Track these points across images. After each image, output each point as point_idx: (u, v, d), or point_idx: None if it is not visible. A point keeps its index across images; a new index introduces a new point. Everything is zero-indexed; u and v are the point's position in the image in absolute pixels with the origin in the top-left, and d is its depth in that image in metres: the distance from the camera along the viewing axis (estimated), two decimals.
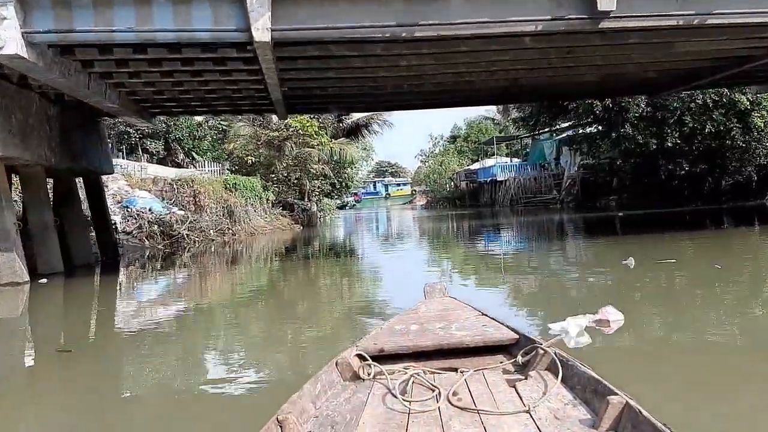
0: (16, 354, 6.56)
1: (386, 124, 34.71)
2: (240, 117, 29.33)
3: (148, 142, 29.69)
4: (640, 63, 12.38)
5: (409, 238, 22.87)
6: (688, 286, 8.50)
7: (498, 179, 39.82)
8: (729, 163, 24.43)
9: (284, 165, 28.04)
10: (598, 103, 23.81)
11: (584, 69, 12.59)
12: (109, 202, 19.06)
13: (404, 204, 66.89)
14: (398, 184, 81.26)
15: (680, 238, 14.31)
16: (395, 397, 2.66)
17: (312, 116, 28.36)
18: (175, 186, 21.46)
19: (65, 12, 8.24)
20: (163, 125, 29.45)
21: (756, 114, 22.77)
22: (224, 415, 4.10)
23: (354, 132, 34.03)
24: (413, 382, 2.84)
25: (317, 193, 30.58)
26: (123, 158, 26.74)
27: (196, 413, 4.22)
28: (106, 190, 19.39)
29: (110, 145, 28.84)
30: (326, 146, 29.17)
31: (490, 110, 57.73)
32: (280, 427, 2.29)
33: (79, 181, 15.47)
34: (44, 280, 10.95)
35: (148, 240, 18.51)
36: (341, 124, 33.53)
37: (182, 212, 20.21)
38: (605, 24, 8.90)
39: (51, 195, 14.45)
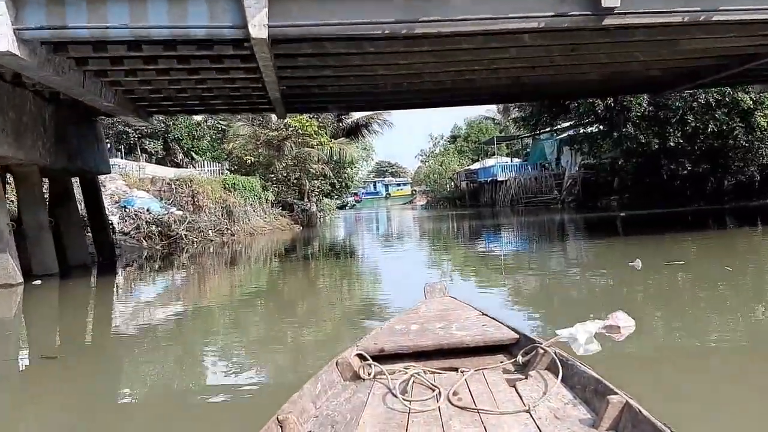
0: (2, 358, 6.36)
1: (386, 124, 34.56)
2: (239, 116, 29.17)
3: (147, 142, 29.53)
4: (644, 61, 12.20)
5: (409, 238, 22.72)
6: (699, 289, 8.17)
7: (498, 179, 39.66)
8: (732, 163, 24.26)
9: (284, 165, 27.88)
10: (600, 103, 23.64)
11: (587, 67, 12.42)
12: (107, 202, 18.90)
13: (404, 204, 66.78)
14: (398, 184, 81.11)
15: (685, 239, 14.10)
16: (395, 396, 2.66)
17: (311, 116, 28.21)
18: (173, 186, 21.30)
19: (58, 8, 8.07)
20: (162, 125, 29.29)
21: (759, 113, 22.58)
22: (224, 415, 4.08)
23: (354, 132, 33.86)
24: (413, 381, 2.84)
25: (317, 193, 30.42)
26: (121, 158, 26.59)
27: (196, 414, 4.20)
28: (103, 190, 19.25)
29: (109, 144, 28.75)
30: (326, 146, 29.01)
31: (491, 110, 57.60)
32: (281, 426, 2.28)
33: (76, 182, 15.35)
34: (38, 282, 10.77)
35: (146, 240, 18.34)
36: (341, 124, 33.36)
37: (180, 212, 20.05)
38: (609, 20, 8.74)
39: (47, 195, 14.33)
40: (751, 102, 22.22)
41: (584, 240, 16.77)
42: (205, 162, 30.26)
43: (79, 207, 15.39)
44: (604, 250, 13.22)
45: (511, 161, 43.63)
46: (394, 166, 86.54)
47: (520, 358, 2.98)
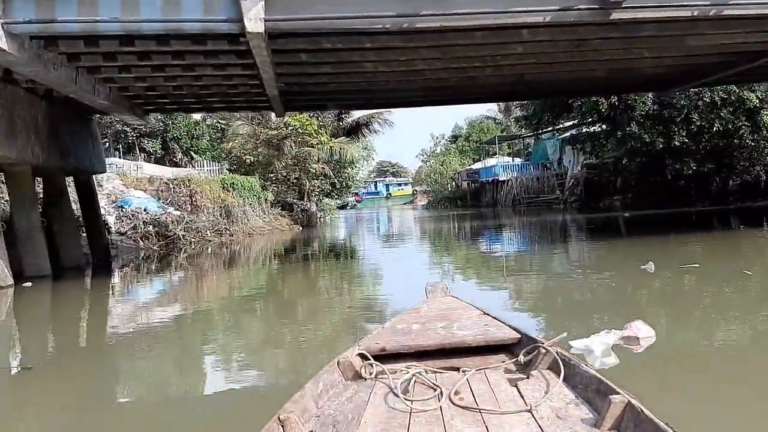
0: None
1: (387, 123, 34.23)
2: (238, 116, 28.95)
3: (146, 141, 29.25)
4: (650, 58, 11.91)
5: (410, 238, 22.48)
6: (721, 295, 7.65)
7: (500, 179, 39.39)
8: (737, 163, 23.97)
9: (283, 164, 27.63)
10: (604, 101, 23.34)
11: (593, 64, 12.12)
12: (104, 202, 18.66)
13: (405, 204, 66.55)
14: (399, 184, 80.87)
15: (692, 240, 13.78)
16: (397, 396, 2.64)
17: (311, 114, 27.98)
18: (171, 186, 21.03)
19: (47, 1, 7.80)
20: (161, 124, 29.01)
21: (765, 112, 22.28)
22: (225, 416, 4.05)
23: (354, 131, 33.56)
24: (415, 381, 2.83)
25: (317, 193, 30.14)
26: (120, 157, 26.32)
27: (197, 415, 4.17)
28: (100, 189, 19.01)
29: (107, 144, 28.52)
30: (326, 145, 28.74)
31: (492, 109, 57.36)
32: (282, 426, 2.27)
33: (72, 181, 15.09)
34: (29, 284, 10.49)
35: (143, 241, 18.09)
36: (341, 123, 33.08)
37: (178, 212, 19.79)
38: (617, 15, 8.48)
39: (41, 195, 14.07)
40: (758, 100, 21.92)
41: (588, 241, 16.44)
42: (205, 161, 29.97)
43: (73, 207, 15.17)
44: (610, 252, 12.90)
45: (513, 161, 43.32)
46: (395, 166, 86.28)
47: (521, 358, 2.96)
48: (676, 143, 22.84)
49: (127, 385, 5.25)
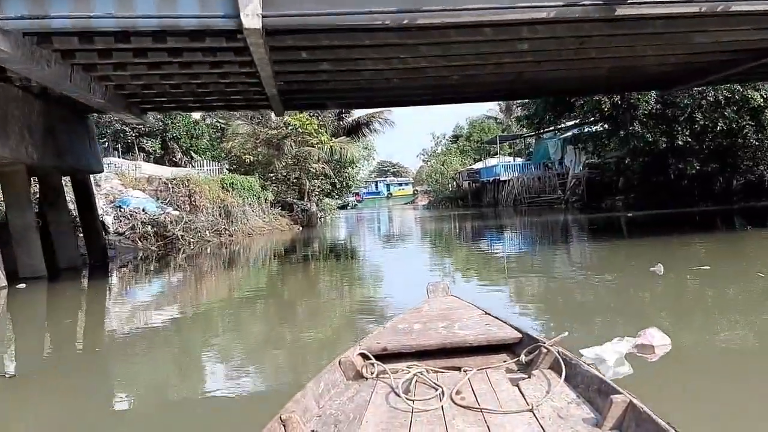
0: None
1: (387, 123, 34.02)
2: (238, 115, 28.77)
3: (145, 141, 29.05)
4: (655, 55, 11.72)
5: (410, 239, 22.31)
6: (736, 298, 7.32)
7: (501, 179, 39.22)
8: (741, 162, 23.76)
9: (283, 164, 27.46)
10: (607, 100, 23.14)
11: (596, 62, 11.91)
12: (102, 201, 18.50)
13: (406, 204, 66.40)
14: (400, 184, 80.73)
15: (700, 241, 13.54)
16: (398, 396, 2.65)
17: (311, 114, 27.80)
18: (170, 185, 20.85)
19: None
20: (160, 123, 28.82)
21: None
22: (226, 416, 4.06)
23: (355, 130, 33.36)
24: (416, 381, 2.84)
25: (317, 193, 29.95)
26: (119, 157, 26.14)
27: (197, 415, 4.17)
28: (98, 189, 18.86)
29: (106, 143, 28.36)
30: (326, 145, 28.56)
31: (493, 109, 57.28)
32: (284, 426, 2.27)
33: (69, 181, 14.91)
34: (23, 285, 10.32)
35: (141, 241, 17.92)
36: (341, 123, 32.88)
37: (177, 212, 19.61)
38: (622, 11, 8.30)
39: (38, 195, 13.91)
40: (762, 99, 21.67)
41: (592, 241, 16.19)
42: (204, 161, 29.79)
43: (70, 207, 15.00)
44: (616, 253, 12.65)
45: (514, 161, 43.15)
46: (395, 166, 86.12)
47: (523, 358, 2.96)
48: (680, 143, 22.62)
49: (123, 389, 5.12)
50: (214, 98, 13.43)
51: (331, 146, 28.91)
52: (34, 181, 13.70)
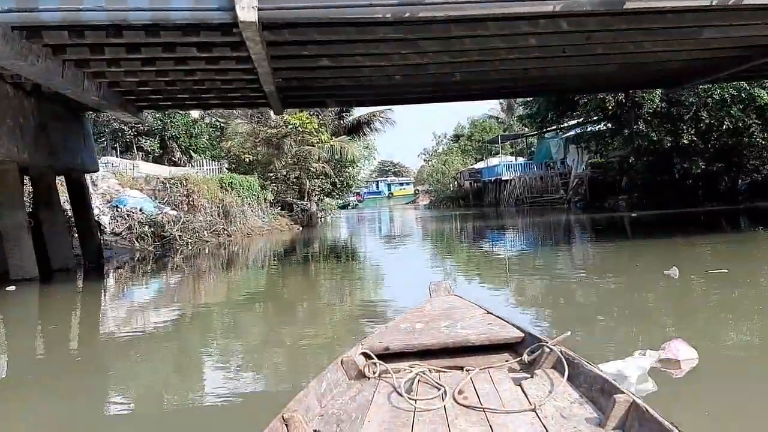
0: None
1: (388, 122, 33.76)
2: (237, 114, 28.51)
3: (143, 140, 28.75)
4: (663, 51, 11.40)
5: (412, 239, 22.04)
6: (763, 305, 6.78)
7: (503, 178, 38.96)
8: (746, 162, 23.48)
9: (283, 163, 27.18)
10: (611, 99, 22.84)
11: (603, 58, 11.63)
12: (98, 201, 18.24)
13: (407, 204, 66.14)
14: (401, 184, 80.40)
15: (711, 242, 13.15)
16: (401, 395, 2.64)
17: (311, 113, 27.54)
18: (167, 185, 20.57)
19: None
20: (159, 122, 28.52)
21: None
22: (227, 416, 4.06)
23: (355, 129, 33.08)
24: (419, 380, 2.83)
25: (317, 193, 29.67)
26: (117, 156, 25.87)
27: (198, 416, 4.15)
28: (95, 189, 18.59)
29: (104, 142, 28.07)
30: (326, 144, 28.28)
31: (494, 108, 57.10)
32: (286, 425, 2.27)
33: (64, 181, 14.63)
34: (12, 287, 10.04)
35: (138, 241, 17.65)
36: (342, 122, 32.61)
37: (175, 212, 19.33)
38: (631, 4, 8.00)
39: (32, 195, 13.64)
40: None
41: (598, 242, 15.77)
42: (204, 160, 29.50)
43: (66, 207, 14.73)
44: (624, 255, 12.20)
45: (516, 160, 42.87)
46: (396, 166, 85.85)
47: (525, 357, 2.95)
48: (685, 141, 22.33)
49: (115, 396, 4.92)
50: (211, 96, 13.15)
51: (331, 145, 28.64)
52: (29, 180, 13.43)
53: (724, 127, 21.82)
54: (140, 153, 28.34)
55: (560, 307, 7.45)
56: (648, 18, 9.16)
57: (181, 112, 27.58)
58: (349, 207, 55.54)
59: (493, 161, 43.92)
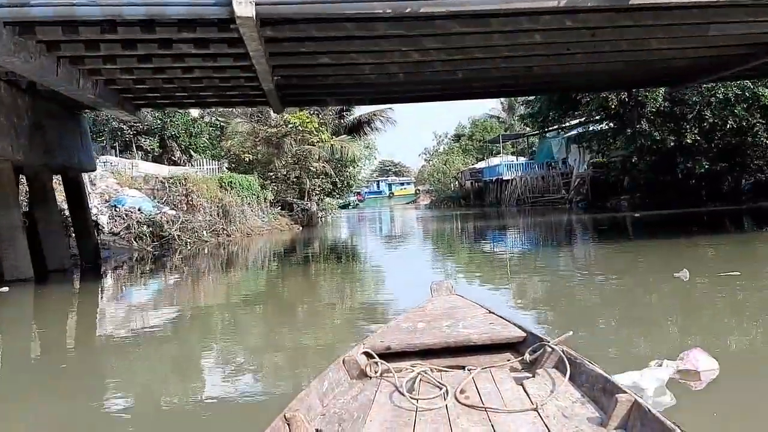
0: None
1: (389, 121, 33.55)
2: (236, 113, 28.34)
3: (143, 139, 28.56)
4: (668, 49, 11.22)
5: (413, 239, 21.87)
6: None
7: (504, 178, 38.79)
8: (750, 161, 23.24)
9: (283, 163, 27.00)
10: (614, 97, 22.64)
11: (608, 56, 11.42)
12: (97, 201, 18.10)
13: (408, 203, 65.96)
14: (402, 184, 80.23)
15: (717, 243, 12.88)
16: (402, 394, 2.65)
17: (312, 112, 27.36)
18: (166, 184, 20.41)
19: None
20: (158, 121, 28.33)
21: None
22: (228, 416, 4.03)
23: (356, 129, 32.88)
24: (420, 379, 2.84)
25: (318, 192, 29.48)
26: (116, 155, 25.69)
27: (200, 415, 4.12)
28: (93, 188, 18.44)
29: (104, 142, 27.88)
30: (327, 143, 28.08)
31: (495, 108, 56.92)
32: (288, 424, 2.27)
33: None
34: (5, 289, 9.86)
35: (137, 241, 17.48)
36: (342, 121, 32.41)
37: (174, 212, 19.16)
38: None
39: (28, 194, 13.47)
40: None
41: (602, 243, 15.43)
42: (204, 160, 29.31)
43: (63, 207, 14.56)
44: (630, 256, 11.81)
45: (517, 160, 42.68)
46: (397, 165, 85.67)
47: (527, 356, 2.95)
48: (688, 141, 22.11)
49: (111, 398, 4.77)
50: (209, 94, 12.97)
51: (331, 145, 28.44)
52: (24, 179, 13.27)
53: (728, 126, 21.60)
54: (140, 152, 28.17)
55: (569, 312, 7.13)
56: (654, 14, 8.98)
57: (179, 110, 27.38)
58: (349, 207, 55.38)
59: (495, 161, 43.74)
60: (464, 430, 2.31)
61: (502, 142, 44.88)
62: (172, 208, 19.46)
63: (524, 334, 3.25)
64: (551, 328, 5.96)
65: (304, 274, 12.68)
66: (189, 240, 18.37)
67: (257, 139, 27.19)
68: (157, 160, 28.57)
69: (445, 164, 52.59)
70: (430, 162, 62.94)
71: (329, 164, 28.92)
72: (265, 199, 24.43)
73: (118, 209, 18.16)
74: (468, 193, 46.43)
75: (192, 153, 30.89)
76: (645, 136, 22.73)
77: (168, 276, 13.18)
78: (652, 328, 5.85)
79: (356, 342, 3.49)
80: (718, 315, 6.42)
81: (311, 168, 27.71)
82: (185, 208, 19.63)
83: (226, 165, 28.27)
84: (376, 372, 2.96)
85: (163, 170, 23.65)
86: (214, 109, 30.98)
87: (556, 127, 32.34)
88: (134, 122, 26.21)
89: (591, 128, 29.02)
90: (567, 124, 31.63)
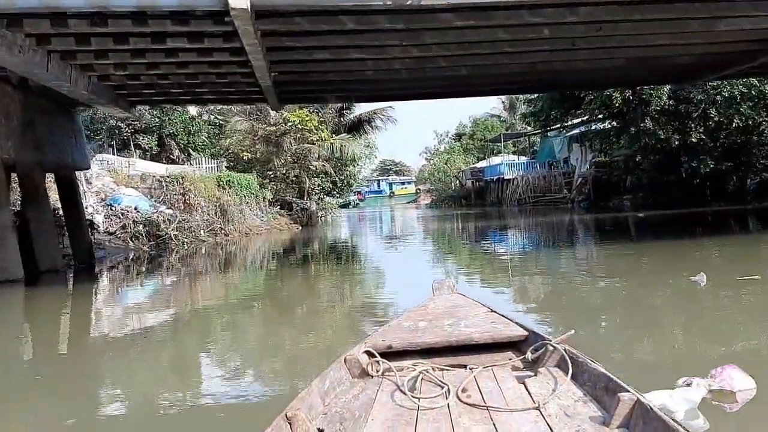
0: None
1: (390, 120, 33.24)
2: (235, 111, 28.06)
3: (141, 138, 28.26)
4: (674, 45, 10.96)
5: (413, 239, 21.61)
6: None
7: (505, 178, 38.53)
8: (756, 161, 22.94)
9: (282, 161, 26.73)
10: (618, 96, 22.34)
11: (614, 51, 11.16)
12: (93, 199, 17.83)
13: (408, 203, 65.72)
14: (402, 183, 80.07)
15: (727, 245, 12.51)
16: (404, 393, 2.65)
17: (311, 110, 27.09)
18: (163, 183, 20.14)
19: None
20: (156, 119, 28.05)
21: None
22: (230, 416, 4.03)
23: (356, 127, 32.57)
24: (422, 378, 2.84)
25: (317, 192, 29.20)
26: (114, 154, 25.41)
27: (201, 416, 4.09)
28: (89, 187, 18.18)
29: (101, 140, 27.61)
30: (327, 142, 27.80)
31: (497, 107, 56.63)
32: (289, 423, 2.26)
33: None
34: None
35: (133, 241, 17.21)
36: (342, 119, 32.11)
37: (170, 211, 18.90)
38: None
39: (20, 193, 13.20)
40: None
41: (607, 244, 14.87)
42: (203, 158, 29.04)
43: (57, 206, 14.30)
44: (641, 258, 11.36)
45: (518, 159, 42.40)
46: (398, 165, 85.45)
47: (529, 355, 2.93)
48: (693, 140, 21.80)
49: (108, 404, 4.59)
50: (206, 90, 12.69)
51: (331, 143, 28.16)
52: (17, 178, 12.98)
53: (734, 125, 21.28)
54: (137, 150, 27.87)
55: (592, 324, 6.36)
56: (660, 8, 8.72)
57: (176, 108, 27.11)
58: (350, 206, 55.15)
59: (496, 160, 43.51)
60: (466, 429, 2.30)
61: (504, 141, 44.60)
62: (169, 207, 19.21)
63: (526, 333, 3.23)
64: (566, 331, 5.66)
65: (304, 274, 12.45)
66: (186, 240, 18.12)
67: (256, 138, 26.92)
68: (155, 158, 28.28)
69: (446, 163, 52.34)
70: (431, 161, 62.69)
71: (329, 163, 28.66)
72: (264, 198, 24.17)
73: (114, 208, 17.90)
74: (469, 193, 46.17)
75: (190, 151, 30.62)
76: (649, 134, 22.43)
77: (164, 277, 12.94)
78: (672, 338, 5.46)
79: (357, 342, 3.43)
80: (747, 325, 5.86)
81: (311, 167, 27.44)
82: (182, 207, 19.38)
83: (224, 163, 28.00)
84: (377, 371, 2.95)
85: (160, 169, 23.39)
86: (212, 107, 30.71)
87: (558, 126, 32.05)
88: (132, 120, 25.97)
89: (593, 127, 28.72)
90: (569, 123, 31.34)
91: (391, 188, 79.44)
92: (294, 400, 2.46)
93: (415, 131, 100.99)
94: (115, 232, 17.26)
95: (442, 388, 2.69)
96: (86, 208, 15.86)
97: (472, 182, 46.20)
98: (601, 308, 7.18)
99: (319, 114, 28.40)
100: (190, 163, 28.24)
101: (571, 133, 34.23)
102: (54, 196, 14.39)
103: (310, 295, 9.82)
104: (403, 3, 7.47)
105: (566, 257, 12.98)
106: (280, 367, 5.39)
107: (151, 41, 8.76)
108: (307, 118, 26.14)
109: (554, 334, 4.80)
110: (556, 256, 13.36)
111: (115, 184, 19.48)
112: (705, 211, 21.25)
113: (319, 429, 2.38)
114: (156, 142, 28.88)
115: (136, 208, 18.09)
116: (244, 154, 26.54)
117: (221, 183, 21.71)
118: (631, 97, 22.47)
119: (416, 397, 2.60)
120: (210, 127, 32.46)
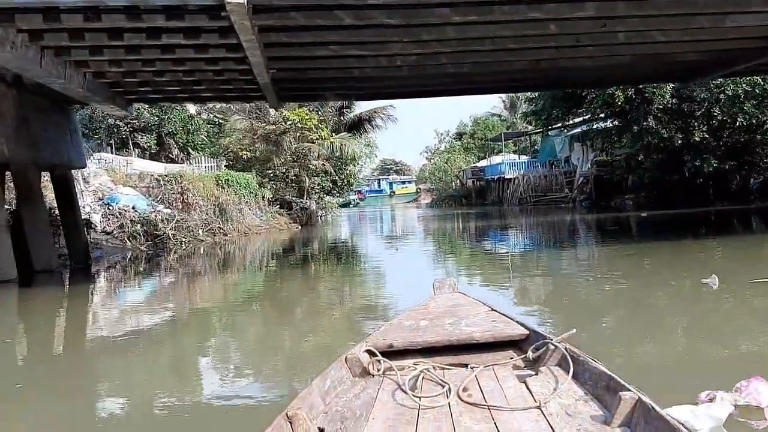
0: None
1: (390, 119, 33.09)
2: (234, 109, 27.89)
3: (139, 136, 28.07)
4: (680, 42, 10.76)
5: (414, 238, 21.44)
6: None
7: (506, 177, 38.37)
8: (760, 160, 22.74)
9: (282, 160, 26.56)
10: (620, 94, 22.14)
11: (616, 49, 10.96)
12: (90, 199, 17.65)
13: (409, 202, 65.56)
14: (403, 182, 79.95)
15: (734, 245, 12.27)
16: (405, 392, 2.64)
17: (311, 109, 26.91)
18: (162, 182, 19.95)
19: None
20: (155, 118, 27.86)
21: None
22: (230, 416, 4.03)
23: (356, 126, 32.42)
24: (423, 377, 2.83)
25: (317, 191, 29.03)
26: (112, 153, 25.23)
27: (202, 415, 4.09)
28: (86, 186, 18.00)
29: (100, 139, 27.41)
30: (327, 141, 27.61)
31: (497, 106, 56.54)
32: (290, 422, 2.25)
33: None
34: None
35: (130, 240, 17.05)
36: (342, 118, 31.95)
37: (168, 210, 18.72)
38: None
39: (14, 192, 13.00)
40: None
41: (611, 245, 14.49)
42: (202, 157, 28.85)
43: (53, 206, 14.11)
44: (647, 259, 10.98)
45: (519, 158, 42.22)
46: (398, 164, 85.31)
47: (530, 354, 2.93)
48: (696, 139, 21.60)
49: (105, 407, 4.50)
50: (203, 88, 12.48)
51: (331, 142, 27.97)
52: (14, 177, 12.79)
53: (738, 123, 21.07)
54: (136, 149, 27.68)
55: (602, 332, 6.05)
56: (667, 4, 8.53)
57: (174, 106, 26.91)
58: (350, 205, 55.01)
59: (496, 159, 43.36)
60: (467, 428, 2.29)
61: (505, 140, 44.44)
62: (167, 207, 19.03)
63: (527, 332, 3.22)
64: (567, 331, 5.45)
65: (303, 274, 12.31)
66: (184, 239, 17.94)
67: (255, 137, 26.75)
68: (154, 157, 28.08)
69: (446, 163, 52.19)
70: (432, 160, 62.55)
71: (329, 162, 28.49)
72: (263, 197, 23.99)
73: (111, 207, 17.72)
74: (470, 192, 46.02)
75: (190, 150, 30.40)
76: (652, 133, 22.23)
77: (162, 277, 12.77)
78: (689, 345, 5.20)
79: (357, 341, 3.43)
80: (762, 329, 5.57)
81: (311, 166, 27.27)
82: (181, 207, 19.19)
83: (224, 162, 27.82)
84: (378, 370, 2.94)
85: (158, 168, 23.21)
86: (211, 106, 30.54)
87: (559, 125, 31.86)
88: (131, 119, 25.76)
89: (595, 126, 28.53)
90: (570, 122, 31.15)
91: (391, 187, 79.32)
92: (295, 399, 2.46)
93: (415, 130, 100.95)
94: (112, 232, 17.09)
95: (443, 387, 2.69)
96: (83, 207, 15.68)
97: (473, 181, 46.05)
98: (601, 309, 7.03)
99: (319, 112, 28.23)
100: (190, 162, 28.04)
101: (573, 132, 34.05)
102: (50, 195, 14.24)
103: (310, 295, 9.72)
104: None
105: (567, 257, 12.83)
106: (280, 367, 5.34)
107: (146, 37, 8.56)
108: (306, 117, 25.97)
109: (555, 333, 4.60)
110: (557, 256, 13.21)
111: (112, 183, 19.30)
112: (708, 210, 21.08)
113: (319, 428, 2.36)
114: (155, 141, 28.68)
115: (133, 208, 17.92)
116: (244, 153, 26.37)
117: (220, 182, 21.53)
118: (633, 96, 22.28)
119: (417, 396, 2.59)
120: (209, 126, 32.27)
